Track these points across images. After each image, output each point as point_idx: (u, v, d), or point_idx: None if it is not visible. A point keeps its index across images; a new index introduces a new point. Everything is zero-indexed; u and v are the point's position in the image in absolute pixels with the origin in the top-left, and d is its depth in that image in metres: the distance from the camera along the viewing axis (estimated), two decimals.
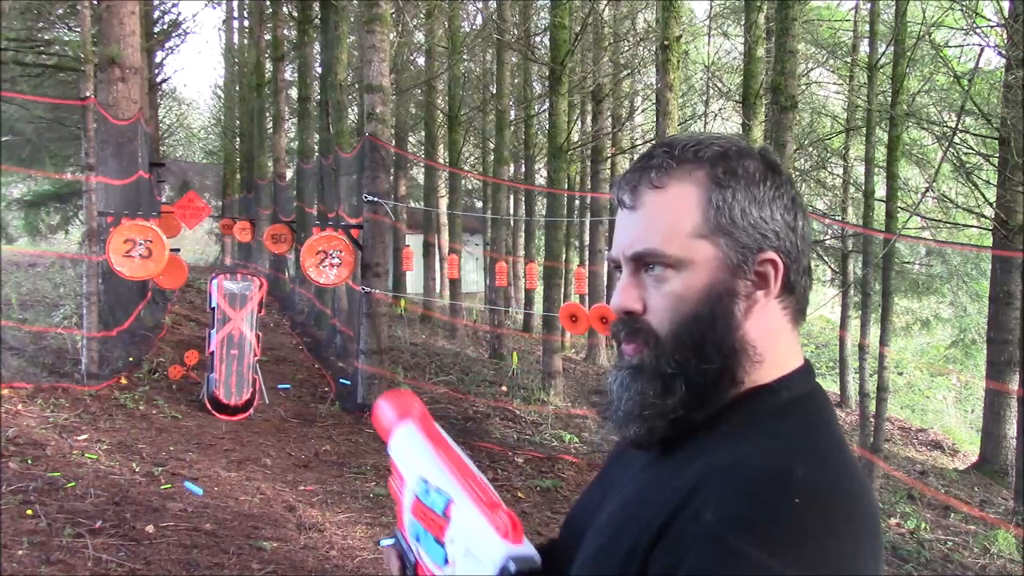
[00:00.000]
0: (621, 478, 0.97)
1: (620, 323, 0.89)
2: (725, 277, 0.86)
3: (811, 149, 15.56)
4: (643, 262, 0.88)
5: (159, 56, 19.57)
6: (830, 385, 16.76)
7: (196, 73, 66.35)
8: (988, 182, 11.58)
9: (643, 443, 0.89)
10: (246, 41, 21.14)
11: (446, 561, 0.92)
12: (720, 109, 15.87)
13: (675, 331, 0.86)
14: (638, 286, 0.88)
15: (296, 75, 18.56)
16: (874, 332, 13.04)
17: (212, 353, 7.72)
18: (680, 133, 0.96)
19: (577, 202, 18.50)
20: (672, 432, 0.87)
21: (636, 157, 0.96)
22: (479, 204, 24.38)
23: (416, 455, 1.02)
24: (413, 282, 18.62)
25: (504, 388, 11.00)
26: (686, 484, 0.79)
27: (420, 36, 16.64)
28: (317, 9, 13.82)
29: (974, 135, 12.08)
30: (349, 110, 13.49)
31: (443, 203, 19.60)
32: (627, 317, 0.89)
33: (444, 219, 18.54)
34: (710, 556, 0.72)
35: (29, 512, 4.37)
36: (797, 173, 14.38)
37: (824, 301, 15.74)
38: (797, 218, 0.89)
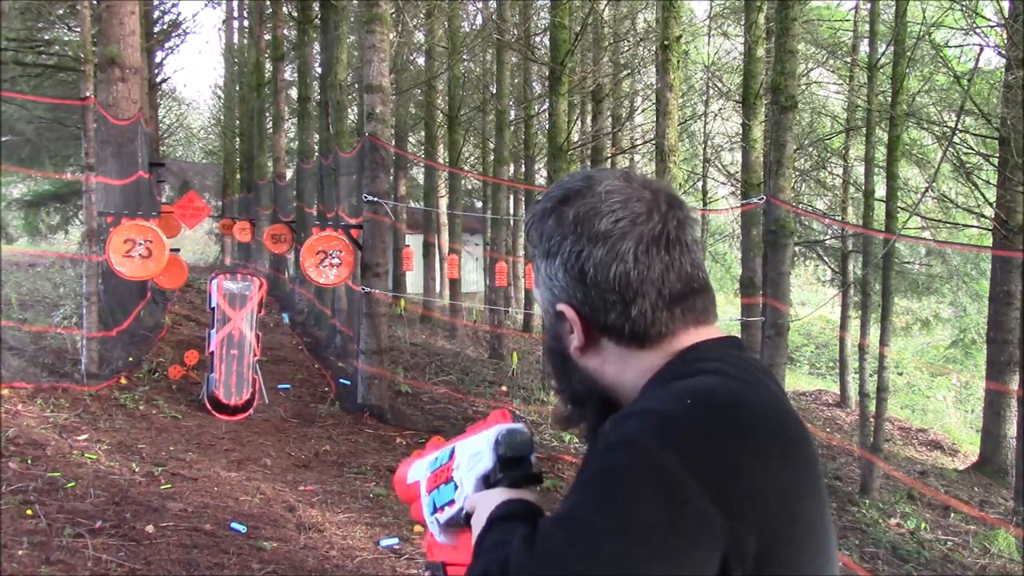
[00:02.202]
0: None
1: None
2: (550, 323, 1.00)
3: (811, 149, 15.56)
4: None
5: (159, 56, 19.60)
6: (830, 385, 16.77)
7: (196, 73, 66.37)
8: (988, 182, 11.58)
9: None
10: (246, 41, 21.14)
11: (456, 488, 0.97)
12: (720, 109, 15.87)
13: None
14: None
15: (296, 75, 18.56)
16: (874, 332, 13.04)
17: (212, 353, 7.71)
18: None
19: None
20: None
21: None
22: (479, 204, 24.38)
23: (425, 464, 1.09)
24: (413, 282, 18.63)
25: (504, 388, 11.00)
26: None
27: (420, 36, 16.64)
28: (317, 9, 13.82)
29: (974, 135, 12.08)
30: (349, 110, 13.49)
31: (443, 203, 19.61)
32: None
33: (444, 219, 18.54)
34: (594, 456, 0.84)
35: (29, 512, 4.37)
36: (797, 173, 14.38)
37: (824, 301, 15.74)
38: (582, 250, 0.92)
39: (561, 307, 0.95)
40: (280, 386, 8.90)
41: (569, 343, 0.96)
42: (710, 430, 0.80)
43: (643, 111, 18.39)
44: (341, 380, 9.28)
